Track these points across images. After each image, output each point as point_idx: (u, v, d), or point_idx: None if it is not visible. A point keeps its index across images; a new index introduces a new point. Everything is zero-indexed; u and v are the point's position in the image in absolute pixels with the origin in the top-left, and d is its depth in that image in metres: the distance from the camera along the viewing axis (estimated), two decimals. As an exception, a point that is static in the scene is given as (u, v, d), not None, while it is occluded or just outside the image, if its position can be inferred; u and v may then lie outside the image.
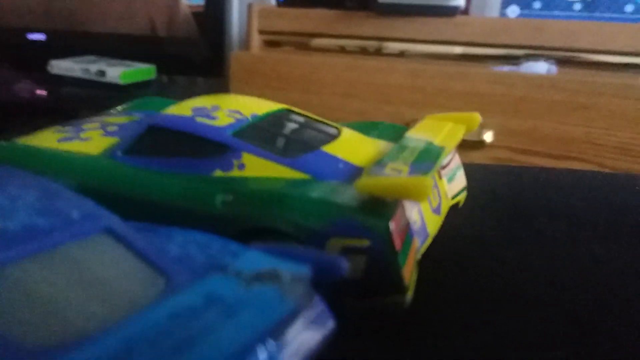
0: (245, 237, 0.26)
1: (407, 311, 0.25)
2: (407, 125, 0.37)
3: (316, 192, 0.27)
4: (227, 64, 1.30)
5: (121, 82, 1.17)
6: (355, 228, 0.25)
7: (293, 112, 0.36)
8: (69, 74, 1.22)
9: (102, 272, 0.20)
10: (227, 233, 0.25)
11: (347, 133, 0.35)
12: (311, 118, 0.36)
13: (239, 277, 0.19)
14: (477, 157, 0.88)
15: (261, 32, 1.10)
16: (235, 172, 0.30)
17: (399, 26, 1.00)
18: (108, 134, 0.36)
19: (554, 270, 0.31)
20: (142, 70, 1.21)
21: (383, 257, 0.25)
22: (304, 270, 0.20)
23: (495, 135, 0.87)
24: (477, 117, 0.37)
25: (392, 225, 0.25)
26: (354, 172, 0.30)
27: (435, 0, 0.94)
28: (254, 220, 0.27)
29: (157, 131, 0.32)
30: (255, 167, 0.30)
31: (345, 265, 0.20)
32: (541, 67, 0.88)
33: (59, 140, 0.35)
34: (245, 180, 0.29)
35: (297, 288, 0.19)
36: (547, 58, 0.92)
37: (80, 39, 1.35)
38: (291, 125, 0.34)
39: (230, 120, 0.32)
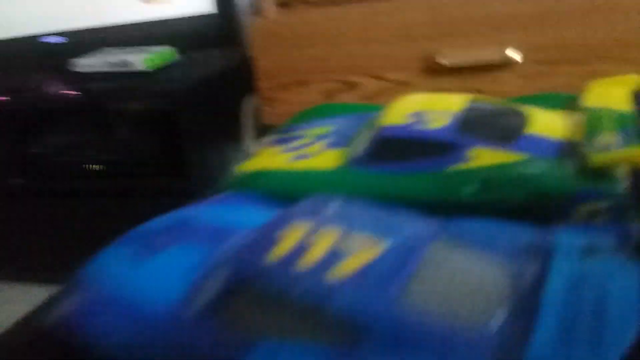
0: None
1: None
2: (570, 93, 0.41)
3: (551, 168, 0.32)
4: (240, 32, 1.32)
5: (146, 68, 1.20)
6: (597, 194, 0.30)
7: (475, 100, 0.40)
8: (93, 69, 1.25)
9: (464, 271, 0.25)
10: (480, 215, 0.30)
11: (533, 112, 0.38)
12: (495, 102, 0.40)
13: (574, 254, 0.23)
14: (507, 76, 0.89)
15: (272, -6, 1.12)
16: (468, 164, 0.34)
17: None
18: (329, 146, 0.41)
19: None
20: (163, 54, 1.24)
21: (622, 213, 0.29)
22: (615, 240, 0.23)
23: (520, 52, 0.88)
24: (637, 78, 0.40)
25: (626, 186, 0.29)
26: (560, 147, 0.34)
27: None
28: (504, 203, 0.32)
29: (388, 141, 0.37)
30: (483, 156, 0.34)
31: None
32: (556, -22, 0.89)
33: (293, 159, 0.40)
34: (485, 168, 0.34)
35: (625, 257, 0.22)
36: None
37: (93, 34, 1.37)
38: (488, 114, 0.38)
39: (445, 121, 0.37)
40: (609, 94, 0.39)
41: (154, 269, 0.31)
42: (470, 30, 0.90)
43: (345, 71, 1.00)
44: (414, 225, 0.27)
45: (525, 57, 0.88)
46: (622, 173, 0.31)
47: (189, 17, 1.29)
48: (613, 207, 0.29)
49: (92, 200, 1.27)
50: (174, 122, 1.14)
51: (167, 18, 1.31)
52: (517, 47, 0.88)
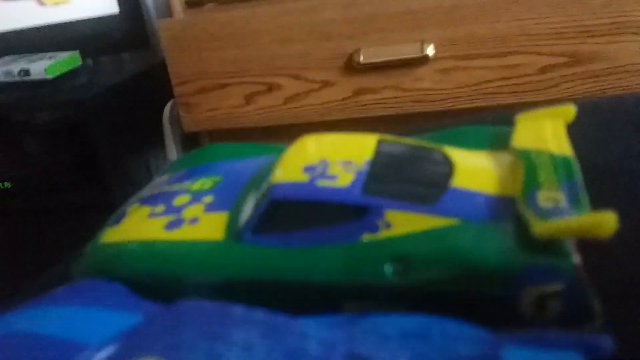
0: (418, 305, 0.25)
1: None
2: (488, 123, 0.36)
3: (489, 240, 0.26)
4: (150, 34, 1.27)
5: (48, 76, 1.13)
6: (545, 273, 0.25)
7: (386, 142, 0.34)
8: (-9, 80, 1.16)
9: None
10: (401, 304, 0.25)
11: (456, 155, 0.32)
12: (410, 144, 0.34)
13: None
14: (426, 72, 0.91)
15: (181, -7, 1.07)
16: (383, 233, 0.28)
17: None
18: (211, 208, 0.33)
19: None
20: (66, 60, 1.17)
21: (577, 294, 0.25)
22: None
23: (436, 47, 0.90)
24: (571, 109, 0.35)
25: (577, 261, 0.25)
26: (493, 205, 0.28)
27: None
28: (436, 286, 0.26)
29: (283, 204, 0.29)
30: (401, 222, 0.28)
31: (610, 343, 0.19)
32: (465, -28, 0.90)
33: (167, 228, 0.32)
34: (405, 240, 0.27)
35: None
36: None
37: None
38: (403, 162, 0.32)
39: (351, 176, 0.30)
40: (541, 131, 0.34)
41: None
42: (387, 27, 0.90)
43: (264, 72, 0.98)
44: (314, 342, 0.21)
45: (441, 52, 0.90)
46: (571, 244, 0.26)
47: (92, 19, 1.22)
48: (566, 290, 0.25)
49: (3, 220, 1.20)
50: (87, 132, 1.08)
51: (68, 21, 1.23)
52: (433, 43, 0.89)
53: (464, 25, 0.88)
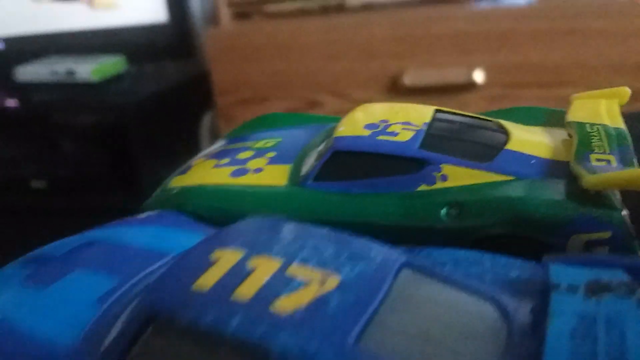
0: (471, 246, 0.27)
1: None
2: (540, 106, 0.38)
3: (538, 191, 0.28)
4: (195, 43, 1.27)
5: (94, 79, 1.14)
6: (594, 222, 0.26)
7: (443, 111, 0.37)
8: (36, 79, 1.18)
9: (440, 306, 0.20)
10: (454, 244, 0.27)
11: (511, 127, 0.34)
12: (466, 115, 0.36)
13: (577, 292, 0.19)
14: (472, 98, 0.88)
15: (230, 4, 1.08)
16: (439, 184, 0.30)
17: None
18: (274, 161, 0.36)
19: None
20: (112, 64, 1.18)
21: (623, 245, 0.26)
22: (623, 277, 0.19)
23: (485, 73, 0.87)
24: (626, 91, 0.37)
25: (625, 214, 0.26)
26: (546, 166, 0.30)
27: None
28: (487, 229, 0.28)
29: (345, 155, 0.32)
30: (457, 176, 0.30)
31: None
32: (520, -1, 0.88)
33: (232, 175, 0.35)
34: (460, 190, 0.30)
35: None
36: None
37: (40, 40, 1.29)
38: (460, 127, 0.34)
39: (410, 134, 0.32)
40: (597, 108, 0.36)
41: (52, 297, 0.25)
42: (435, 50, 0.88)
43: (307, 88, 0.96)
44: (376, 251, 0.23)
45: (489, 79, 0.87)
46: (619, 198, 0.28)
47: (140, 27, 1.23)
48: (613, 238, 0.26)
49: (36, 218, 1.20)
50: (125, 137, 1.08)
51: (116, 27, 1.24)
52: (482, 68, 0.87)
53: (515, 52, 0.85)
